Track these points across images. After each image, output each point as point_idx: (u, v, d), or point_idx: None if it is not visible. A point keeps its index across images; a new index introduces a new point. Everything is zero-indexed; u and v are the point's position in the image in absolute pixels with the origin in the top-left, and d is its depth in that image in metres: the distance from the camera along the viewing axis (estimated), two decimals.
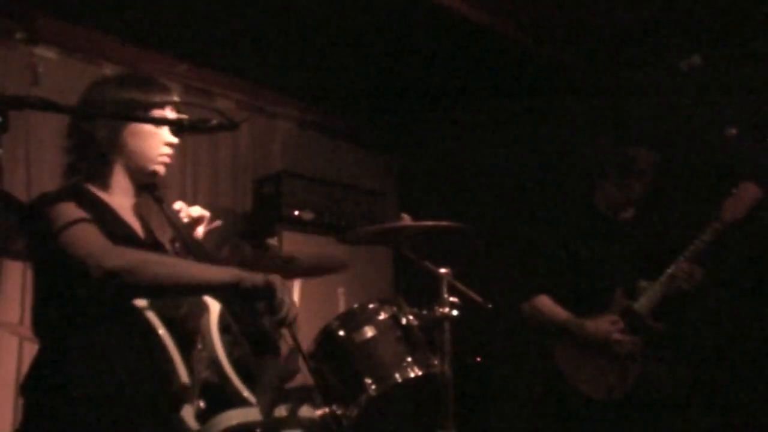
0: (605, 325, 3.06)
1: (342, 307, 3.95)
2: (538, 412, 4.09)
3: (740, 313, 3.84)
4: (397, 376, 2.65)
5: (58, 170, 2.07)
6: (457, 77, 4.77)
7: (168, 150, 2.07)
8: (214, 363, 1.84)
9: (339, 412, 2.53)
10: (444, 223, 2.89)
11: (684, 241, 3.04)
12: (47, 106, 1.66)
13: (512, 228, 4.65)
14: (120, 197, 2.04)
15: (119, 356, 1.81)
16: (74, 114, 2.03)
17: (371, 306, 2.82)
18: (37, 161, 3.82)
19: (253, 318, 1.95)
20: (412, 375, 2.66)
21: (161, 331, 1.80)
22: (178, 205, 2.19)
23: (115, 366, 1.79)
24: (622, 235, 3.24)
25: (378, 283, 4.94)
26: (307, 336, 2.76)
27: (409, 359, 2.69)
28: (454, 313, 2.74)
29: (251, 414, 1.79)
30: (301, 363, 2.12)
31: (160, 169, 2.08)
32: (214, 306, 1.93)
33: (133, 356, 1.81)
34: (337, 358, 2.73)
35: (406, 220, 2.88)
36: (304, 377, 2.55)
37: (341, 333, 2.76)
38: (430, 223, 2.88)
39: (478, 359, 4.38)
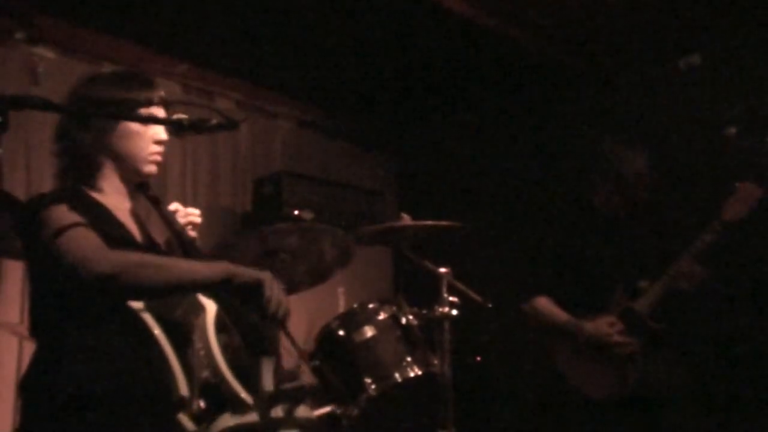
0: (604, 326, 3.06)
1: (342, 306, 3.96)
2: (538, 412, 4.10)
3: (740, 313, 3.84)
4: (396, 375, 2.65)
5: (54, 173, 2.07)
6: (458, 77, 4.77)
7: (158, 148, 2.05)
8: (211, 363, 1.84)
9: (339, 411, 2.54)
10: (444, 223, 2.89)
11: (684, 241, 3.04)
12: (47, 106, 1.66)
13: (512, 228, 4.65)
14: (115, 199, 2.03)
15: (115, 357, 1.81)
16: (74, 114, 2.03)
17: (371, 306, 2.82)
18: (37, 161, 3.82)
19: (250, 318, 1.94)
20: (412, 374, 2.67)
21: (157, 331, 1.80)
22: (174, 205, 2.19)
23: (111, 366, 1.79)
24: (621, 235, 3.24)
25: (378, 282, 4.94)
26: (307, 336, 2.76)
27: (409, 359, 2.69)
28: (454, 312, 2.75)
29: (248, 415, 1.78)
30: (299, 360, 2.12)
31: (152, 169, 2.06)
32: (210, 306, 1.93)
33: (129, 357, 1.81)
34: (337, 358, 2.74)
35: (406, 219, 2.88)
36: (302, 377, 2.55)
37: (341, 333, 2.76)
38: (429, 222, 2.89)
39: (478, 359, 4.38)
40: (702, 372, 3.51)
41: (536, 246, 3.42)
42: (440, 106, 5.13)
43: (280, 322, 1.88)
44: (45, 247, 1.79)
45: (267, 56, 4.52)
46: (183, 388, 1.76)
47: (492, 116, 5.06)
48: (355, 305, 2.85)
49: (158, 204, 2.09)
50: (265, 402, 1.79)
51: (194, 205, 2.26)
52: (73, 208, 1.84)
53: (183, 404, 1.75)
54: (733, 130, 3.08)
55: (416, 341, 2.75)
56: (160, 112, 2.04)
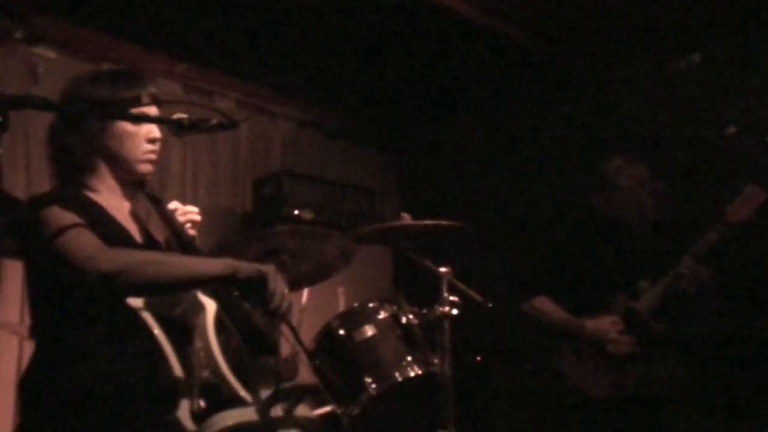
0: (605, 325, 3.06)
1: (342, 306, 3.95)
2: (538, 412, 4.10)
3: (740, 314, 3.84)
4: (397, 375, 2.65)
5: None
6: (457, 77, 4.77)
7: (152, 147, 2.04)
8: (211, 362, 1.84)
9: (339, 411, 2.54)
10: (444, 223, 2.89)
11: (685, 242, 3.04)
12: (47, 106, 1.66)
13: (512, 228, 4.65)
14: (111, 199, 2.02)
15: (115, 356, 1.81)
16: (73, 114, 2.03)
17: (371, 305, 2.82)
18: (37, 161, 3.82)
19: (250, 316, 1.94)
20: (412, 374, 2.66)
21: (156, 330, 1.80)
22: (174, 204, 2.19)
23: (111, 366, 1.79)
24: (622, 236, 3.24)
25: (378, 282, 4.94)
26: (307, 335, 2.76)
27: (409, 358, 2.69)
28: (454, 312, 2.74)
29: (248, 414, 1.78)
30: (300, 355, 2.12)
31: (148, 168, 2.05)
32: (210, 305, 1.93)
33: (129, 356, 1.81)
34: (338, 357, 2.73)
35: (406, 219, 2.88)
36: (303, 376, 2.55)
37: (341, 332, 2.76)
38: (430, 222, 2.89)
39: (478, 358, 4.38)
40: (702, 372, 3.50)
41: (537, 246, 3.42)
42: (440, 106, 5.13)
43: (283, 315, 1.88)
44: (45, 247, 1.79)
45: (267, 56, 4.52)
46: (177, 371, 1.75)
47: (492, 116, 5.06)
48: (356, 304, 2.85)
49: (157, 203, 2.09)
50: (264, 401, 1.79)
51: (194, 205, 2.25)
52: (71, 208, 1.84)
53: (178, 385, 1.74)
54: (733, 130, 3.08)
55: (416, 341, 2.75)
56: (152, 110, 2.02)
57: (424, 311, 2.79)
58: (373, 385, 2.62)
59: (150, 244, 2.07)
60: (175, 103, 2.05)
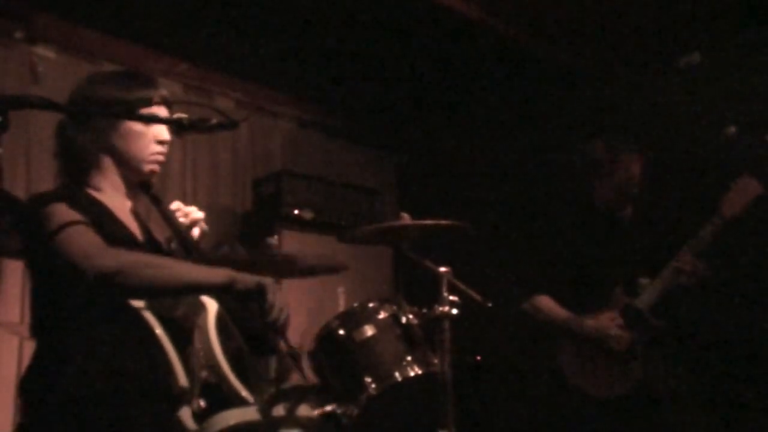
0: (604, 321, 3.06)
1: (342, 306, 3.96)
2: (538, 411, 4.10)
3: (741, 310, 3.84)
4: (397, 375, 2.65)
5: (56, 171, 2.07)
6: (457, 76, 4.77)
7: (160, 148, 2.04)
8: (212, 362, 1.84)
9: (339, 411, 2.54)
10: (444, 222, 2.88)
11: (683, 238, 3.04)
12: (47, 105, 1.66)
13: (512, 227, 4.65)
14: (115, 198, 2.03)
15: (116, 356, 1.81)
16: (73, 113, 2.03)
17: (371, 305, 2.81)
18: (37, 161, 3.82)
19: (251, 317, 1.94)
20: (412, 374, 2.66)
21: (158, 330, 1.80)
22: (176, 204, 2.19)
23: (112, 365, 1.79)
24: (621, 233, 3.24)
25: (378, 282, 4.94)
26: (307, 335, 2.76)
27: (409, 358, 2.69)
28: (454, 312, 2.74)
29: (249, 413, 1.78)
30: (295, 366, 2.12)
31: (154, 168, 2.06)
32: (211, 305, 1.93)
33: (131, 356, 1.81)
34: (337, 357, 2.73)
35: (406, 219, 2.88)
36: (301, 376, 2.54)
37: (341, 332, 2.76)
38: (429, 222, 2.88)
39: (478, 358, 4.38)
40: (702, 370, 3.50)
41: (536, 245, 3.42)
42: (440, 106, 5.14)
43: (280, 328, 1.89)
44: (45, 244, 1.79)
45: (267, 56, 4.52)
46: (182, 380, 1.76)
47: (491, 115, 5.06)
48: (355, 304, 2.85)
49: (159, 203, 2.09)
50: (266, 401, 1.79)
51: (194, 204, 2.26)
52: (73, 206, 1.85)
53: (183, 396, 1.75)
54: (733, 130, 3.08)
55: (416, 340, 2.74)
56: (161, 111, 2.03)
57: (424, 311, 2.79)
58: (373, 385, 2.62)
59: (151, 243, 2.07)
60: (177, 103, 2.05)
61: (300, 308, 3.97)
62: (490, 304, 2.87)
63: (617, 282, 3.13)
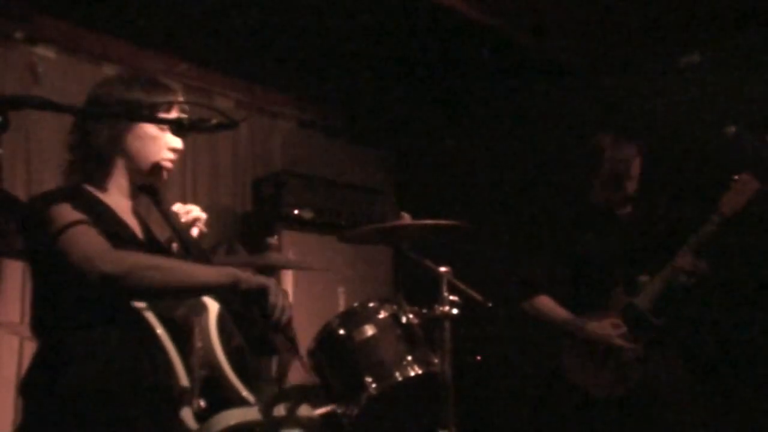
0: (608, 328, 3.06)
1: (342, 305, 3.96)
2: (538, 411, 4.10)
3: (740, 309, 3.84)
4: (397, 374, 2.65)
5: (58, 170, 2.07)
6: (457, 76, 4.77)
7: (171, 155, 2.07)
8: (213, 362, 1.84)
9: (339, 410, 2.54)
10: (444, 222, 2.89)
11: (683, 236, 3.04)
12: (47, 105, 1.66)
13: (512, 227, 4.65)
14: (118, 197, 2.04)
15: (118, 356, 1.80)
16: (73, 113, 2.03)
17: (371, 305, 2.81)
18: (37, 161, 3.82)
19: (252, 317, 1.94)
20: (413, 374, 2.66)
21: (159, 330, 1.80)
22: (177, 206, 2.19)
23: (113, 365, 1.79)
24: (620, 231, 3.24)
25: (378, 281, 4.94)
26: (307, 335, 2.76)
27: (410, 358, 2.69)
28: (455, 311, 2.74)
29: (250, 413, 1.78)
30: (299, 365, 2.12)
31: (162, 174, 2.08)
32: (212, 306, 1.93)
33: (132, 356, 1.81)
34: (338, 357, 2.73)
35: (406, 218, 2.88)
36: (302, 376, 2.54)
37: (341, 332, 2.76)
38: (430, 221, 2.88)
39: (478, 358, 4.38)
40: (702, 369, 3.50)
41: (536, 244, 3.42)
42: (440, 106, 5.14)
43: (283, 328, 1.89)
44: (48, 245, 1.79)
45: (267, 56, 4.52)
46: (184, 380, 1.76)
47: (491, 115, 5.06)
48: (356, 304, 2.85)
49: (160, 204, 2.10)
50: (267, 401, 1.79)
51: (194, 204, 2.26)
52: (77, 206, 1.85)
53: (185, 396, 1.75)
54: (733, 129, 3.08)
55: (417, 340, 2.74)
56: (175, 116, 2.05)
57: (424, 311, 2.79)
58: (374, 385, 2.62)
59: (152, 243, 2.08)
60: (179, 103, 2.05)
61: (300, 308, 3.96)
62: (490, 304, 2.87)
63: (617, 281, 3.13)
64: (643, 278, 3.09)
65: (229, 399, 1.80)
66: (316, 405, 2.42)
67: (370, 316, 2.77)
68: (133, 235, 2.01)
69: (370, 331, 2.73)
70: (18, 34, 3.87)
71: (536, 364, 4.22)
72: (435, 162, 5.44)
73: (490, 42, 4.34)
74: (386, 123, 5.46)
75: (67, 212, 1.82)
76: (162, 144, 2.04)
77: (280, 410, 1.81)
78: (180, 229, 2.08)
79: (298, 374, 2.89)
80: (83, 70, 4.12)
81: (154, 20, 4.04)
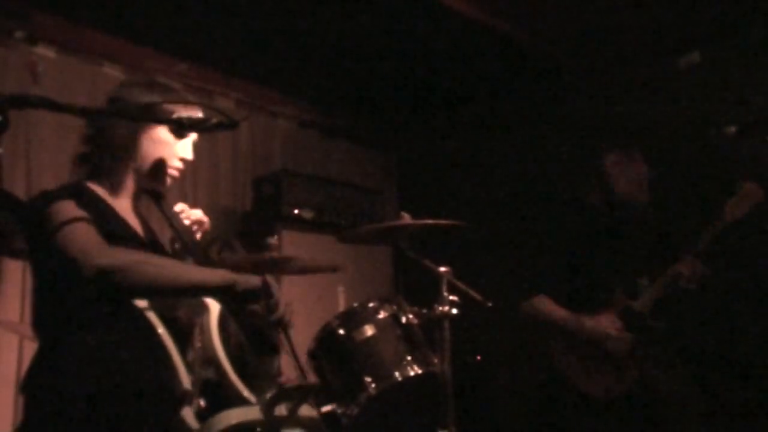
0: (603, 323, 3.06)
1: (342, 305, 3.95)
2: (538, 412, 4.10)
3: (740, 313, 3.84)
4: (396, 374, 2.65)
5: (58, 169, 2.09)
6: (457, 76, 4.77)
7: (179, 164, 2.09)
8: (214, 362, 1.84)
9: (339, 410, 2.54)
10: (444, 222, 2.89)
11: (684, 240, 3.04)
12: (48, 104, 1.66)
13: (512, 227, 4.65)
14: (121, 197, 2.05)
15: (119, 355, 1.81)
16: (74, 113, 2.02)
17: (371, 305, 2.81)
18: (37, 160, 3.82)
19: (253, 317, 1.95)
20: (412, 374, 2.66)
21: (161, 330, 1.80)
22: (180, 206, 2.20)
23: (114, 364, 1.79)
24: (621, 234, 3.24)
25: (378, 281, 4.94)
26: (307, 335, 2.76)
27: (409, 358, 2.69)
28: (454, 311, 2.74)
29: (251, 413, 1.79)
30: (295, 365, 2.12)
31: (167, 181, 2.09)
32: (213, 306, 1.93)
33: (133, 355, 1.81)
34: (337, 357, 2.73)
35: (406, 218, 2.88)
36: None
37: (341, 332, 2.76)
38: (430, 221, 2.88)
39: (478, 358, 4.38)
40: (701, 372, 3.50)
41: (535, 245, 3.42)
42: (440, 106, 5.14)
43: (285, 325, 1.90)
44: (49, 240, 1.80)
45: (267, 56, 4.52)
46: (186, 382, 1.76)
47: (491, 115, 5.06)
48: (355, 304, 2.85)
49: (163, 205, 2.10)
50: (268, 400, 1.79)
51: (194, 204, 2.27)
52: (78, 204, 1.86)
53: (186, 398, 1.75)
54: (733, 130, 3.09)
55: (416, 340, 2.74)
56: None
57: (424, 311, 2.79)
58: (373, 385, 2.62)
59: (154, 243, 2.08)
60: (180, 102, 2.05)
61: (300, 308, 3.96)
62: (490, 304, 2.87)
63: (617, 284, 3.13)
64: (643, 281, 3.10)
65: (230, 399, 1.81)
66: (316, 405, 2.43)
67: (369, 316, 2.77)
68: (134, 234, 2.02)
69: (369, 331, 2.73)
70: (18, 34, 3.87)
71: (536, 364, 4.22)
72: (435, 162, 5.44)
73: (490, 42, 4.34)
74: (386, 123, 5.46)
75: (67, 209, 1.83)
76: (173, 151, 2.07)
77: (281, 410, 1.81)
78: (182, 231, 2.08)
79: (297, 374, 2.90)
80: (83, 70, 4.13)
81: (154, 20, 4.04)
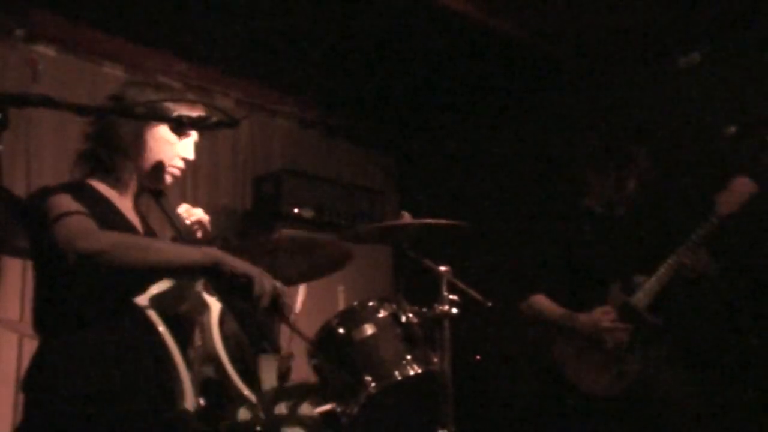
0: (597, 314, 3.05)
1: (342, 304, 3.95)
2: (538, 411, 4.10)
3: (737, 308, 3.84)
4: (396, 373, 2.65)
5: (58, 168, 2.09)
6: (457, 76, 4.77)
7: (181, 164, 2.10)
8: (215, 361, 1.84)
9: (339, 409, 2.54)
10: (444, 221, 2.89)
11: (679, 236, 3.04)
12: (48, 103, 1.66)
13: (512, 227, 4.65)
14: (122, 194, 2.06)
15: (119, 353, 1.81)
16: (73, 111, 2.02)
17: (371, 304, 2.82)
18: (37, 158, 3.82)
19: (253, 315, 1.94)
20: (412, 373, 2.66)
21: (161, 328, 1.80)
22: (183, 207, 2.20)
23: (115, 363, 1.80)
24: (617, 231, 3.24)
25: (378, 281, 4.94)
26: (307, 334, 2.76)
27: (409, 357, 2.69)
28: (454, 311, 2.74)
29: (252, 412, 1.78)
30: (295, 356, 2.12)
31: (167, 179, 2.10)
32: (214, 305, 1.93)
33: (134, 353, 1.81)
34: (337, 356, 2.73)
35: (406, 218, 2.88)
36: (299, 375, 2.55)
37: (341, 330, 2.76)
38: (430, 221, 2.89)
39: (478, 357, 4.38)
40: (699, 368, 3.50)
41: (533, 244, 3.42)
42: (440, 106, 5.14)
43: (280, 313, 1.89)
44: (46, 233, 1.80)
45: (267, 55, 4.51)
46: (186, 379, 1.75)
47: (491, 115, 5.07)
48: (355, 303, 2.85)
49: (164, 204, 2.11)
50: (268, 399, 1.79)
51: (194, 204, 2.28)
52: (79, 198, 1.87)
53: (186, 396, 1.75)
54: (732, 129, 3.09)
55: (416, 339, 2.74)
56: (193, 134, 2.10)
57: (424, 310, 2.79)
58: (373, 384, 2.62)
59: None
60: (181, 101, 2.06)
61: (304, 310, 3.96)
62: (490, 304, 2.87)
63: (614, 280, 3.13)
64: (640, 277, 3.10)
65: (230, 397, 1.81)
66: (315, 403, 2.43)
67: (369, 315, 2.77)
68: (133, 230, 2.02)
69: (369, 330, 2.73)
70: (18, 32, 3.87)
71: (536, 363, 4.22)
72: (435, 162, 5.44)
73: (490, 42, 4.34)
74: (386, 122, 5.46)
75: (64, 203, 1.84)
76: (175, 151, 2.08)
77: (281, 409, 1.81)
78: (183, 230, 2.08)
79: (298, 373, 2.91)
80: (83, 69, 4.12)
81: (154, 19, 4.04)
